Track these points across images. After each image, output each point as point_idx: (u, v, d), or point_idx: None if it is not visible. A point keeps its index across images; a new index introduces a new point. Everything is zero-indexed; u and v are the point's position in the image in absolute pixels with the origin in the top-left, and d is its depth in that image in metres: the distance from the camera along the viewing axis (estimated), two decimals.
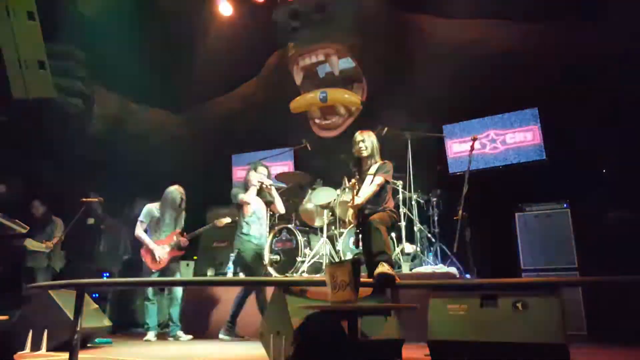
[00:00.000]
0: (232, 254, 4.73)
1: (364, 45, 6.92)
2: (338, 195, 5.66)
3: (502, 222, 5.46)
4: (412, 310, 2.92)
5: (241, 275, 5.16)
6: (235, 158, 8.31)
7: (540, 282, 3.07)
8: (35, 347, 4.10)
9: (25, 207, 6.09)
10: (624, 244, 4.60)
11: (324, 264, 5.44)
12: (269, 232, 5.50)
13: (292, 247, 5.71)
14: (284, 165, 7.72)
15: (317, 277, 4.94)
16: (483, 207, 5.49)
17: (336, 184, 5.82)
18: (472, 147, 4.69)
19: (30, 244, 5.82)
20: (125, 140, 7.83)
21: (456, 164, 6.54)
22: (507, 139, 6.34)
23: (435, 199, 5.74)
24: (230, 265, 5.82)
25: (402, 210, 5.41)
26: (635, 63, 5.23)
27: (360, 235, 3.78)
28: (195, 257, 6.75)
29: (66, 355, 3.16)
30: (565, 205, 5.06)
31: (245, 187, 4.69)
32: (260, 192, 4.70)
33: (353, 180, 3.82)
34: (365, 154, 3.97)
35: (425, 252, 5.42)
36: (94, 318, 4.55)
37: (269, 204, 4.76)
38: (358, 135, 4.04)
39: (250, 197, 4.59)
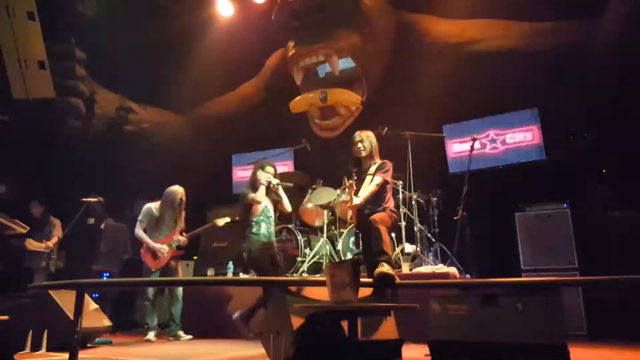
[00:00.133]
0: (244, 253, 4.67)
1: (364, 45, 6.93)
2: (338, 195, 5.66)
3: (502, 222, 5.46)
4: (412, 310, 2.91)
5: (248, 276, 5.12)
6: (235, 158, 8.31)
7: (540, 282, 3.06)
8: (35, 347, 4.10)
9: (24, 208, 6.09)
10: (624, 244, 4.60)
11: (324, 264, 5.44)
12: None
13: (292, 247, 5.71)
14: (284, 165, 7.72)
15: (317, 277, 4.94)
16: (483, 207, 5.50)
17: (336, 184, 5.82)
18: (472, 147, 4.70)
19: (30, 244, 5.82)
20: (125, 141, 7.84)
21: (456, 164, 6.53)
22: (507, 139, 6.34)
23: (435, 199, 5.74)
24: (230, 265, 5.82)
25: (402, 210, 5.41)
26: (636, 63, 5.22)
27: (360, 235, 3.78)
28: (195, 257, 6.75)
29: (66, 355, 3.16)
30: (565, 205, 5.06)
31: (253, 186, 4.65)
32: (267, 191, 4.68)
33: (350, 181, 3.82)
34: (363, 154, 3.98)
35: (425, 252, 5.42)
36: (94, 318, 4.54)
37: (275, 202, 4.75)
38: (357, 135, 4.04)
39: (260, 196, 4.58)
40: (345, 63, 7.07)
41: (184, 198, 5.26)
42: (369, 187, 3.83)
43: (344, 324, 2.87)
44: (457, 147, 6.63)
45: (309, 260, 5.67)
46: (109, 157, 7.41)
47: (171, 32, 7.77)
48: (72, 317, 3.30)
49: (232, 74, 8.31)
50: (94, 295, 6.01)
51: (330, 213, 5.82)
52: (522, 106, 6.25)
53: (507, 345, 2.67)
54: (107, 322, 4.74)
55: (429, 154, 6.21)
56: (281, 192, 4.77)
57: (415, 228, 5.47)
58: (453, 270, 4.84)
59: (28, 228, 5.23)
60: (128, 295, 6.52)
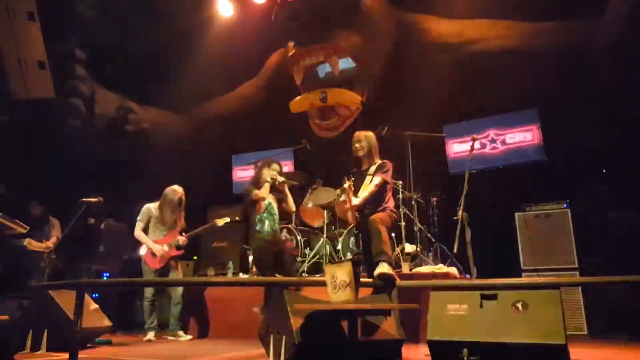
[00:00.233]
0: (249, 253, 4.63)
1: (364, 45, 6.92)
2: (338, 195, 5.65)
3: (502, 222, 5.46)
4: (412, 310, 2.92)
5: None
6: (235, 158, 8.31)
7: (540, 283, 3.06)
8: (35, 347, 4.10)
9: (24, 208, 6.08)
10: (624, 244, 4.60)
11: (324, 264, 5.44)
12: None
13: (292, 247, 5.71)
14: (284, 165, 7.64)
15: (317, 277, 4.94)
16: (483, 207, 5.49)
17: (336, 184, 5.82)
18: (472, 147, 4.69)
19: (30, 244, 5.82)
20: (125, 141, 7.83)
21: (456, 164, 6.53)
22: (507, 139, 6.34)
23: (435, 199, 5.74)
24: (231, 265, 5.82)
25: (402, 210, 5.41)
26: (636, 63, 5.22)
27: (360, 235, 3.78)
28: (195, 257, 6.75)
29: (66, 355, 3.16)
30: (565, 205, 5.06)
31: (257, 183, 4.61)
32: (272, 189, 4.64)
33: (348, 183, 3.82)
34: (360, 153, 4.00)
35: (425, 252, 5.42)
36: (94, 318, 4.54)
37: (280, 201, 4.71)
38: (355, 136, 4.07)
39: (264, 193, 4.53)
40: (345, 63, 7.07)
41: (183, 198, 5.26)
42: (368, 187, 3.84)
43: (344, 324, 2.87)
44: (457, 147, 6.63)
45: (309, 260, 5.67)
46: (109, 157, 7.40)
47: (171, 32, 7.77)
48: (72, 317, 3.30)
49: (232, 74, 8.31)
50: (94, 295, 6.02)
51: (330, 213, 5.83)
52: (522, 106, 6.25)
53: (507, 345, 2.67)
54: (107, 322, 4.73)
55: (429, 154, 6.21)
56: (287, 190, 4.73)
57: (415, 228, 5.47)
58: (453, 270, 4.84)
59: (28, 228, 5.22)
60: (128, 295, 6.52)
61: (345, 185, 3.82)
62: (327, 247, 5.55)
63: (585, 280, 4.56)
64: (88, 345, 4.45)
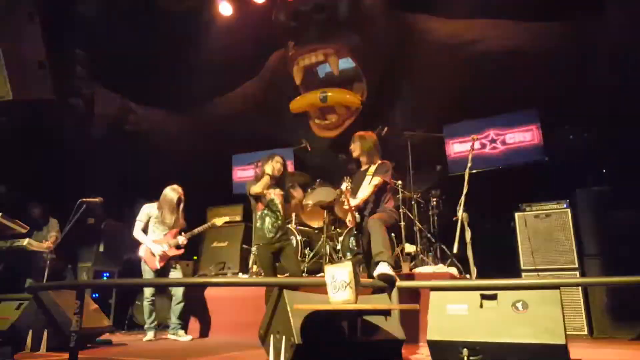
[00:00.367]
0: (252, 249, 4.54)
1: (364, 45, 6.92)
2: (337, 195, 5.66)
3: (502, 222, 5.46)
4: (412, 310, 2.92)
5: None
6: (235, 158, 8.30)
7: (540, 283, 3.06)
8: (35, 347, 4.10)
9: (24, 208, 6.08)
10: (624, 244, 4.60)
11: (324, 264, 5.44)
12: None
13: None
14: None
15: (317, 277, 4.93)
16: (483, 207, 5.49)
17: (336, 184, 5.82)
18: (472, 147, 4.69)
19: (31, 244, 5.81)
20: (125, 141, 7.83)
21: (456, 164, 6.52)
22: (507, 139, 6.34)
23: (435, 199, 5.74)
24: (231, 265, 5.82)
25: (402, 210, 5.41)
26: (636, 63, 5.22)
27: (360, 235, 3.79)
28: (195, 257, 6.75)
29: (66, 355, 3.16)
30: (565, 205, 5.06)
31: (258, 179, 4.52)
32: (278, 184, 4.55)
33: (346, 185, 3.83)
34: (354, 154, 4.05)
35: (425, 252, 5.42)
36: (94, 318, 4.54)
37: (286, 199, 4.60)
38: (353, 136, 4.12)
39: (261, 187, 4.34)
40: (345, 63, 7.07)
41: (182, 198, 5.25)
42: (367, 188, 3.84)
43: (344, 324, 2.87)
44: (457, 147, 6.63)
45: (309, 260, 5.67)
46: (109, 157, 7.40)
47: (171, 32, 7.77)
48: (72, 317, 3.30)
49: (232, 74, 8.31)
50: (94, 295, 6.02)
51: (330, 213, 5.82)
52: (522, 106, 6.25)
53: (507, 345, 2.67)
54: (107, 322, 4.74)
55: (429, 154, 6.21)
56: (297, 190, 4.63)
57: (415, 228, 5.47)
58: (453, 270, 4.84)
59: (28, 228, 5.22)
60: (128, 295, 6.52)
61: (343, 187, 3.83)
62: (327, 247, 5.55)
63: (585, 280, 4.57)
64: (88, 345, 4.45)
